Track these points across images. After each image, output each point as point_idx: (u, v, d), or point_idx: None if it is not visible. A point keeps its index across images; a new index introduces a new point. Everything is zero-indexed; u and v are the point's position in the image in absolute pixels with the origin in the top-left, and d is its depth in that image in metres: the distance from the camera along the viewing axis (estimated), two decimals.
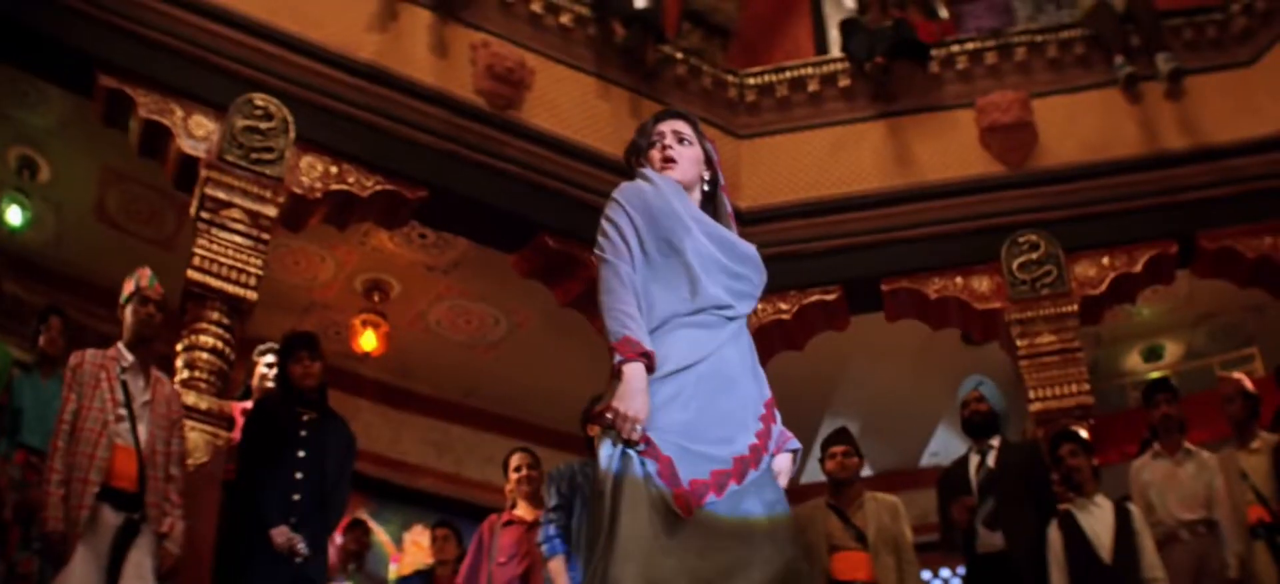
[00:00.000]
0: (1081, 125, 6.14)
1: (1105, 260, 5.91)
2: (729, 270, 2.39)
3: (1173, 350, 7.13)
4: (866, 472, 6.20)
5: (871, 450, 6.75)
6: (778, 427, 2.37)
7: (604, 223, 2.37)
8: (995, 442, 5.23)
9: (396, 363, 6.63)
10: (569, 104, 5.85)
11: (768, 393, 2.37)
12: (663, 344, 2.25)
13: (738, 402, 2.28)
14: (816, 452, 7.40)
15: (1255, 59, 6.40)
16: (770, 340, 5.95)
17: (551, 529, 4.87)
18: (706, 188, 2.53)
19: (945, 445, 7.35)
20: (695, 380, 2.24)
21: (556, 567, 4.83)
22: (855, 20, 6.42)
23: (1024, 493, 5.10)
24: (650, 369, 2.18)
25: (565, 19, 5.98)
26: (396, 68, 5.54)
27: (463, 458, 6.26)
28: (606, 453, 2.16)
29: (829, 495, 5.37)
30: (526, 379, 6.39)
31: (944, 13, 6.64)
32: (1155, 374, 6.87)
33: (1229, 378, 5.71)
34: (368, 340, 6.18)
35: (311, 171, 5.27)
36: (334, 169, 5.32)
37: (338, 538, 6.42)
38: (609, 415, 2.13)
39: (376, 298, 6.18)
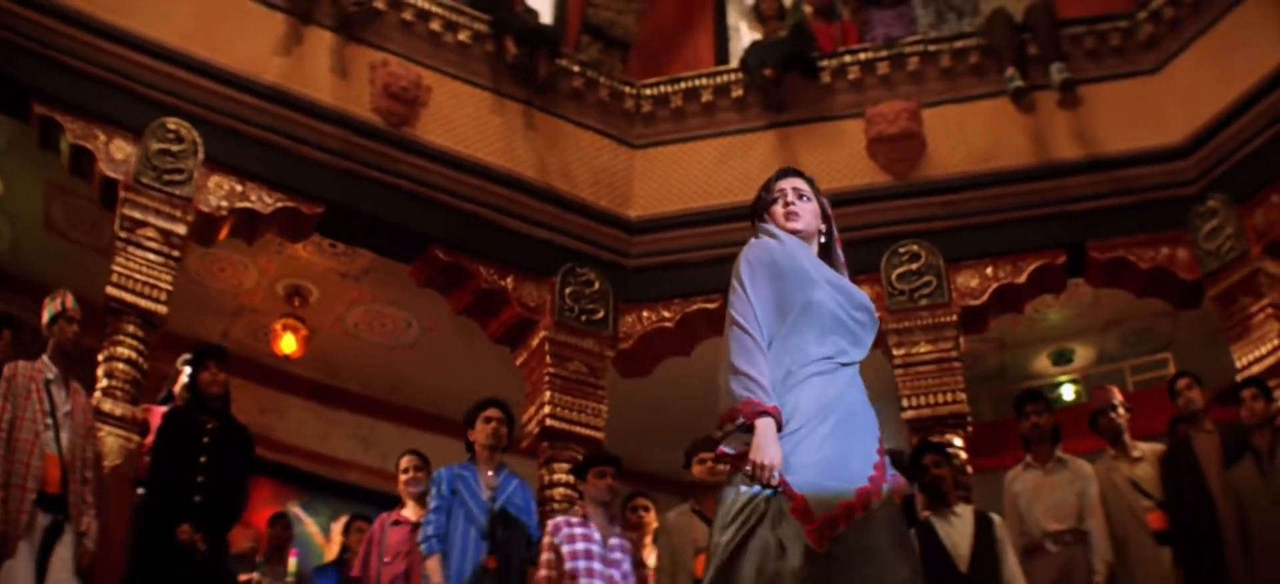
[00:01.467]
0: (971, 135, 6.20)
1: (989, 270, 5.99)
2: (849, 319, 2.60)
3: (1084, 354, 7.14)
4: None
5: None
6: (888, 460, 2.58)
7: (734, 281, 2.61)
8: None
9: (324, 363, 6.99)
10: (464, 119, 6.09)
11: (878, 430, 2.57)
12: (793, 394, 2.49)
13: (858, 440, 2.49)
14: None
15: (1161, 67, 6.37)
16: (656, 348, 6.20)
17: (429, 529, 5.20)
18: (823, 240, 2.76)
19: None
20: (824, 425, 2.46)
21: (433, 565, 5.15)
22: (757, 41, 6.59)
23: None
24: (779, 423, 2.42)
25: (464, 36, 6.20)
26: (298, 89, 5.81)
27: (388, 452, 6.61)
28: (739, 493, 2.43)
29: (694, 500, 5.65)
30: (442, 378, 6.72)
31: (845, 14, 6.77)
32: (1064, 378, 6.94)
33: (1102, 389, 5.79)
34: (288, 343, 6.59)
35: (218, 191, 5.58)
36: (238, 188, 5.63)
37: (262, 530, 6.94)
38: (747, 466, 2.39)
39: (297, 303, 6.56)
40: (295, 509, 6.98)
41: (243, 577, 6.01)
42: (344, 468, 7.01)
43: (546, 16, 6.64)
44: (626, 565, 5.19)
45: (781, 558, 2.36)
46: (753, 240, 2.71)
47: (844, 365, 2.57)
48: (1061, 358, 7.20)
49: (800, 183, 2.77)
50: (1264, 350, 5.82)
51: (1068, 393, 7.06)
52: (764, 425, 2.40)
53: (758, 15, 6.66)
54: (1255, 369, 5.78)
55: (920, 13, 6.62)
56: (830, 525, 2.34)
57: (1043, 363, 7.21)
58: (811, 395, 2.49)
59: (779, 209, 2.72)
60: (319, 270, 6.44)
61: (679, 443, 7.31)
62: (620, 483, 5.35)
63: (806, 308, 2.56)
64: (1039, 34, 6.21)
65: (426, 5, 6.17)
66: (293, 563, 5.94)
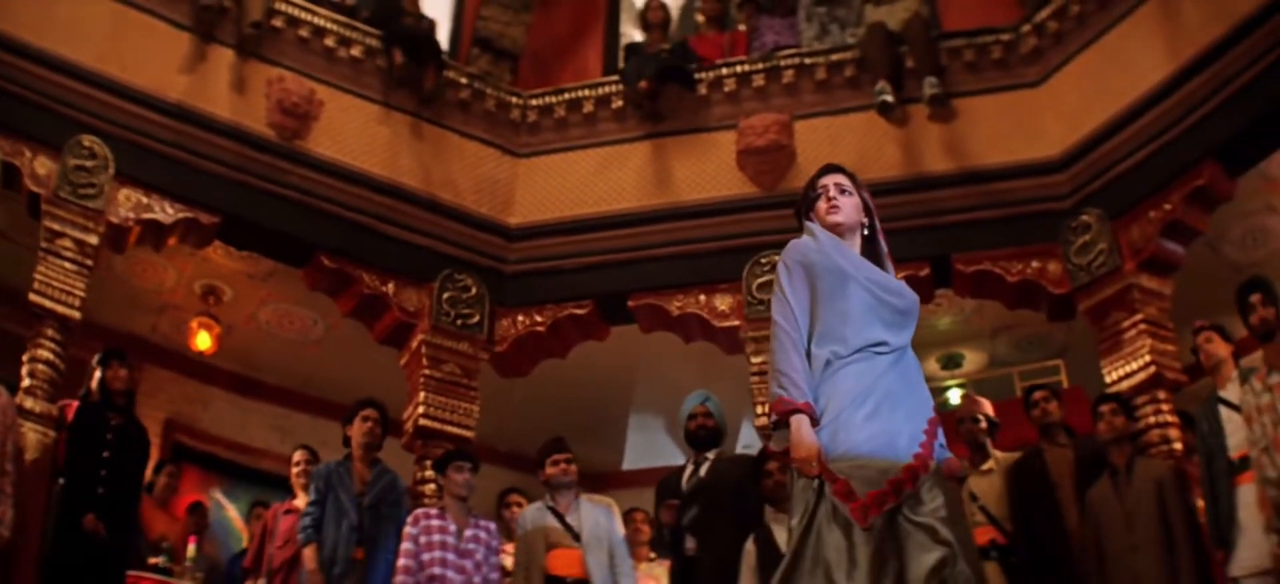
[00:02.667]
0: (842, 147, 6.32)
1: None
2: (886, 309, 2.76)
3: (974, 359, 7.22)
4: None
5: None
6: (939, 438, 2.74)
7: (775, 283, 2.85)
8: (711, 454, 5.71)
9: (242, 357, 7.43)
10: (353, 131, 6.40)
11: (931, 411, 2.74)
12: (832, 381, 2.67)
13: (905, 419, 2.65)
14: (630, 439, 8.01)
15: (1043, 80, 6.43)
16: (530, 350, 6.52)
17: (306, 520, 5.62)
18: (866, 232, 2.92)
19: (754, 441, 7.70)
20: (862, 409, 2.62)
21: (308, 554, 5.57)
22: (637, 44, 6.80)
23: (728, 504, 5.56)
24: (812, 417, 2.61)
25: (356, 51, 6.50)
26: (200, 106, 6.15)
27: (303, 441, 7.06)
28: (797, 483, 2.66)
29: (548, 498, 5.98)
30: (350, 371, 7.08)
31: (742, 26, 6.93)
32: (952, 383, 7.03)
33: (969, 398, 5.93)
34: (202, 340, 7.05)
35: (127, 203, 5.93)
36: (145, 200, 5.98)
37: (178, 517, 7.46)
38: (793, 462, 2.64)
39: (212, 302, 7.03)
40: (218, 495, 7.50)
41: (152, 560, 6.56)
42: (261, 456, 7.50)
43: (444, 29, 6.96)
44: (480, 555, 5.57)
45: (834, 537, 2.55)
46: (791, 242, 2.90)
47: (883, 353, 2.70)
48: (950, 362, 7.30)
49: (842, 178, 2.94)
50: (1135, 366, 5.91)
51: (954, 397, 7.17)
52: (796, 422, 2.59)
53: (645, 23, 6.88)
54: (1125, 384, 5.87)
55: (804, 25, 6.75)
56: (877, 502, 2.52)
57: (932, 366, 7.32)
58: (850, 383, 2.64)
59: (822, 205, 2.90)
60: (230, 272, 6.89)
61: (583, 437, 7.69)
62: (474, 477, 5.73)
63: (842, 301, 2.71)
64: (914, 48, 6.30)
65: (322, 22, 6.50)
66: (191, 549, 6.44)
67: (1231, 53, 5.76)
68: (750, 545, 5.26)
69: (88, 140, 5.93)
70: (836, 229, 2.87)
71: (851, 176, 2.95)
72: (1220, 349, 5.25)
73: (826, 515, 2.58)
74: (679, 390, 6.77)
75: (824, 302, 2.74)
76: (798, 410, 2.60)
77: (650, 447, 7.94)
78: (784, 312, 2.76)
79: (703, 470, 5.67)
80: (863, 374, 2.66)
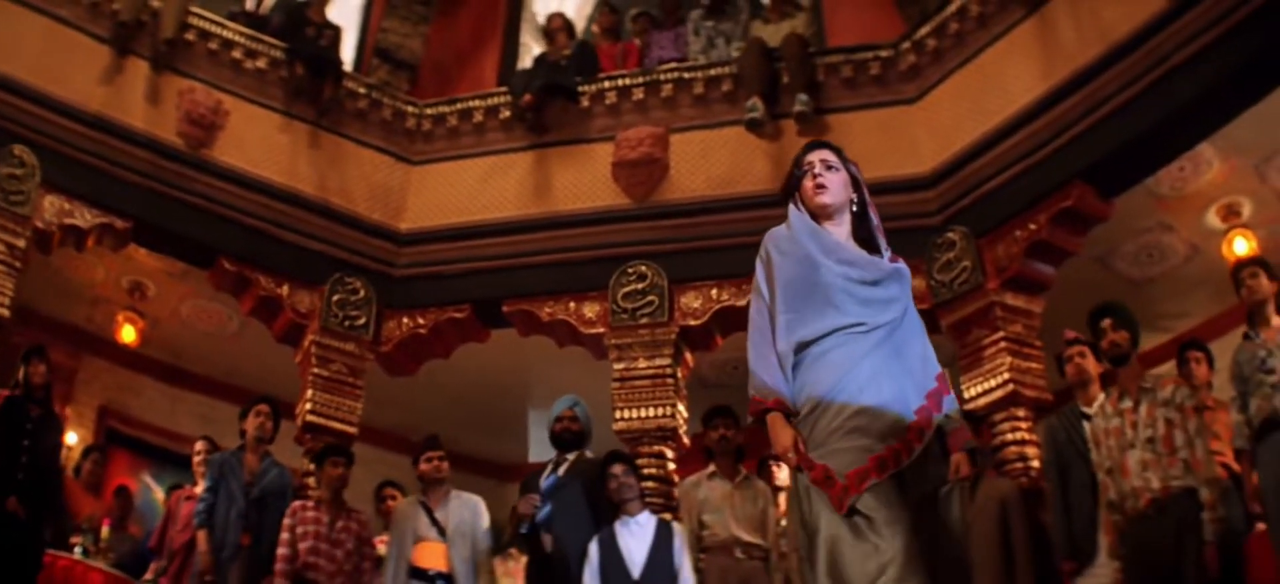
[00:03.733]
0: (715, 160, 6.56)
1: (713, 292, 6.39)
2: (862, 288, 2.71)
3: None
4: None
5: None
6: (948, 402, 2.70)
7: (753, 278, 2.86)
8: (572, 455, 6.03)
9: (169, 347, 7.90)
10: (255, 140, 6.78)
11: (930, 381, 2.69)
12: (810, 370, 2.65)
13: (889, 396, 2.60)
14: (533, 433, 8.33)
15: (920, 97, 6.59)
16: (414, 352, 6.89)
17: (201, 506, 6.13)
18: (855, 208, 2.87)
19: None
20: (841, 394, 2.59)
21: (200, 538, 6.07)
22: (543, 55, 7.10)
23: (584, 504, 5.90)
24: (786, 410, 2.64)
25: (262, 63, 6.88)
26: (117, 116, 6.54)
27: (225, 429, 7.56)
28: (797, 485, 2.64)
29: (420, 493, 6.36)
30: (267, 364, 7.51)
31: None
32: None
33: None
34: (128, 333, 7.55)
35: (51, 209, 6.34)
36: (66, 207, 6.38)
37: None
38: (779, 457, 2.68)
39: (137, 297, 7.55)
40: (147, 479, 8.03)
41: (74, 539, 7.12)
42: (188, 443, 7.96)
43: (351, 39, 7.34)
44: (350, 545, 6.01)
45: (819, 526, 2.53)
46: (768, 233, 2.90)
47: (862, 332, 2.66)
48: None
49: (828, 154, 2.87)
50: (994, 382, 6.07)
51: None
52: (770, 421, 2.64)
53: (545, 34, 7.17)
54: (983, 401, 6.05)
55: (692, 39, 6.98)
56: (857, 480, 2.48)
57: None
58: (827, 370, 2.62)
59: (809, 184, 2.82)
60: (152, 269, 7.37)
61: (491, 430, 8.06)
62: (348, 471, 6.16)
63: (813, 287, 2.69)
64: (790, 64, 6.50)
65: (230, 35, 6.91)
66: (105, 531, 6.98)
67: (1105, 75, 5.90)
68: (593, 547, 5.56)
69: (19, 150, 6.37)
70: (824, 209, 2.83)
71: (838, 151, 2.91)
72: (1090, 366, 5.38)
73: (810, 505, 2.57)
74: (572, 388, 7.11)
75: (797, 291, 2.72)
76: (768, 409, 2.63)
77: None
78: (758, 306, 2.78)
79: (562, 470, 6.02)
80: (841, 360, 2.63)
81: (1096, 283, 7.24)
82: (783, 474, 6.20)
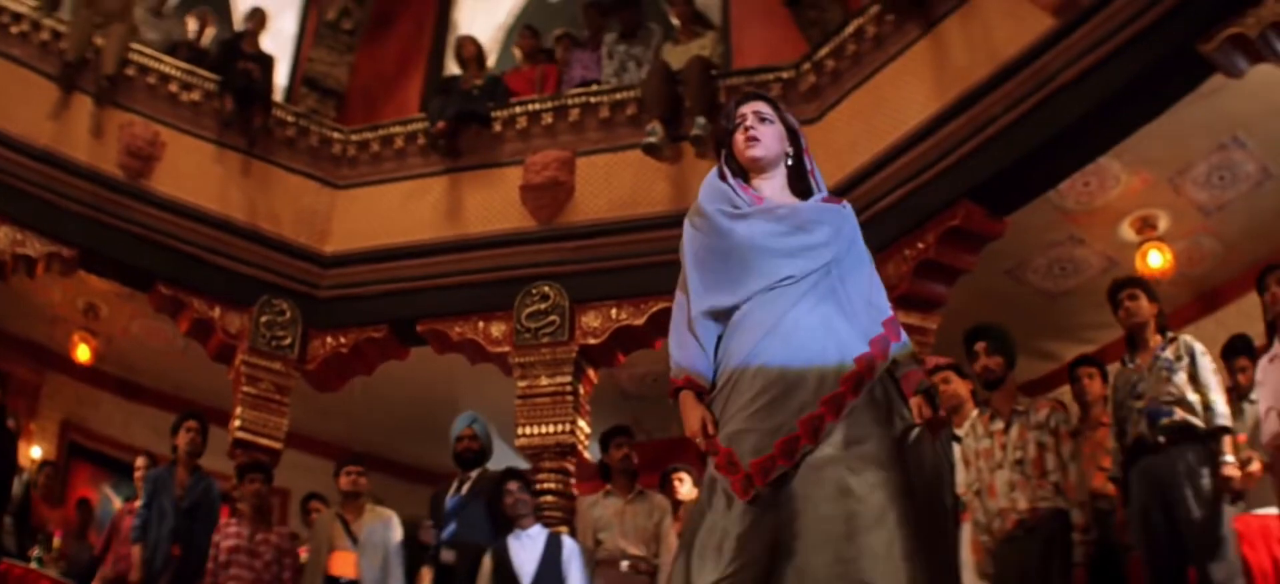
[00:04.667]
0: (618, 183, 6.82)
1: (613, 312, 6.66)
2: (786, 240, 2.55)
3: None
4: None
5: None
6: (897, 347, 2.50)
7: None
8: (474, 473, 6.37)
9: (125, 363, 8.43)
10: (190, 170, 7.16)
11: (876, 326, 2.50)
12: (729, 339, 2.50)
13: (819, 350, 2.42)
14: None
15: (820, 117, 6.76)
16: (338, 370, 7.26)
17: (137, 520, 6.62)
18: (790, 162, 2.73)
19: None
20: (758, 358, 2.41)
21: (135, 552, 6.54)
22: (452, 80, 7.42)
23: (486, 521, 6.24)
24: (697, 388, 2.50)
25: (196, 95, 7.25)
26: (63, 150, 6.95)
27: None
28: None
29: (340, 506, 6.74)
30: (212, 380, 7.92)
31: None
32: None
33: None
34: (82, 352, 8.08)
35: (4, 239, 6.80)
36: (18, 236, 6.83)
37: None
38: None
39: (91, 316, 8.08)
40: (108, 490, 8.56)
41: (31, 551, 7.65)
42: (155, 455, 8.52)
43: (284, 68, 7.74)
44: (268, 556, 6.43)
45: (724, 515, 2.34)
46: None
47: (788, 285, 2.52)
48: None
49: (762, 105, 2.74)
50: None
51: None
52: (682, 399, 2.49)
53: (459, 60, 7.49)
54: None
55: (605, 62, 7.24)
56: (762, 470, 2.30)
57: None
58: (744, 335, 2.47)
59: (740, 137, 2.69)
60: (104, 290, 7.85)
61: (427, 438, 8.38)
62: (266, 486, 6.57)
63: (727, 253, 2.57)
64: (690, 88, 6.72)
65: (167, 69, 7.31)
66: (56, 541, 7.50)
67: (993, 95, 6.00)
68: (487, 561, 5.91)
69: None
70: (755, 163, 2.69)
71: (773, 103, 2.77)
72: (959, 388, 5.53)
73: (716, 493, 2.40)
74: (498, 400, 7.46)
75: (708, 260, 2.61)
76: (679, 388, 2.51)
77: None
78: (680, 280, 2.65)
79: (465, 488, 6.36)
80: (760, 320, 2.47)
81: (1008, 296, 7.38)
82: (684, 488, 6.46)
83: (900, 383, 2.50)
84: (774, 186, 2.72)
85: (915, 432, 2.44)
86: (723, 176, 2.72)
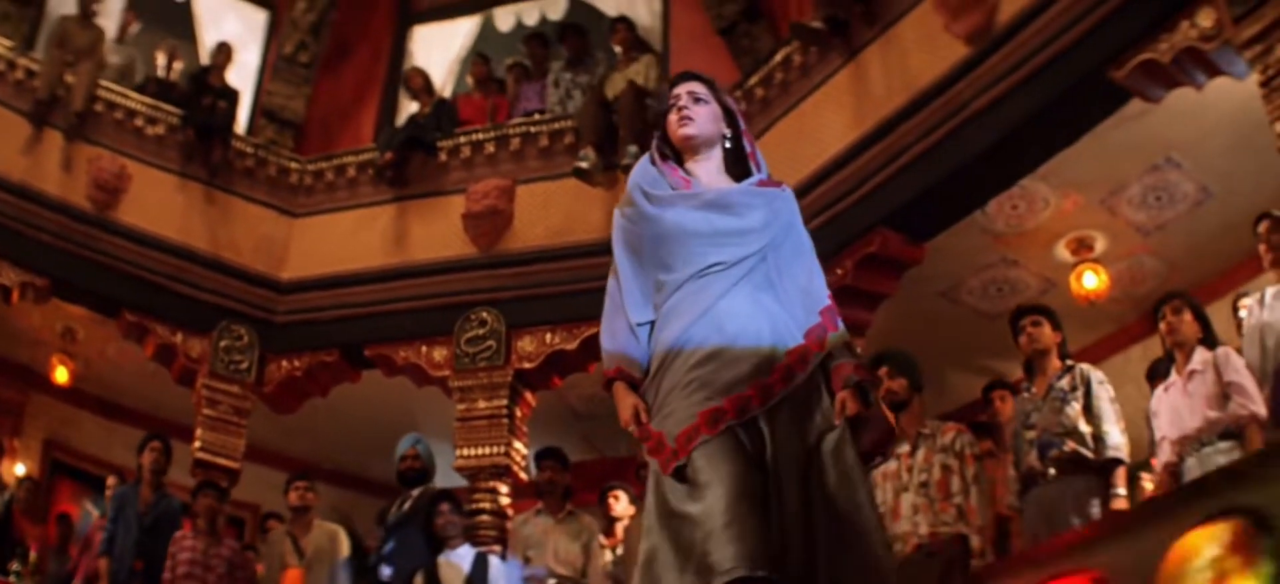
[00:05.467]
0: (554, 210, 7.09)
1: (547, 337, 6.92)
2: (717, 225, 2.51)
3: None
4: None
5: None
6: (832, 339, 2.43)
7: None
8: (416, 492, 6.67)
9: (105, 384, 8.85)
10: (155, 201, 7.53)
11: (813, 316, 2.47)
12: (660, 327, 2.48)
13: (753, 336, 2.38)
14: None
15: None
16: (294, 392, 7.61)
17: (103, 536, 7.05)
18: (728, 144, 2.69)
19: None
20: (689, 341, 2.39)
21: (101, 565, 6.97)
22: (413, 115, 7.74)
23: (422, 539, 6.54)
24: (630, 378, 2.47)
25: (160, 129, 7.63)
26: (35, 184, 7.34)
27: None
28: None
29: (289, 523, 7.08)
30: (185, 397, 8.37)
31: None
32: None
33: None
34: (61, 374, 8.51)
35: None
36: None
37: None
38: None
39: (68, 339, 8.52)
40: (88, 506, 8.98)
41: (10, 565, 8.08)
42: (124, 472, 8.93)
43: (247, 100, 8.11)
44: (221, 569, 6.80)
45: (651, 521, 2.33)
46: None
47: (718, 272, 2.49)
48: None
49: (696, 85, 2.70)
50: None
51: None
52: (614, 390, 2.48)
53: (409, 91, 7.81)
54: None
55: (551, 91, 7.51)
56: (685, 440, 2.27)
57: None
58: (675, 320, 2.46)
59: (673, 117, 2.66)
60: (79, 315, 8.24)
61: (391, 454, 8.66)
62: (219, 503, 6.93)
63: (656, 240, 2.55)
64: (623, 116, 6.97)
65: (133, 105, 7.71)
66: (32, 555, 7.92)
67: (908, 123, 6.15)
68: (419, 579, 6.20)
69: None
70: (688, 143, 2.66)
71: (709, 82, 2.73)
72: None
73: (648, 479, 2.39)
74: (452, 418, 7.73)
75: (647, 241, 2.58)
76: (612, 379, 2.49)
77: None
78: (612, 268, 2.64)
79: (406, 506, 6.66)
80: (692, 305, 2.45)
81: (945, 316, 7.54)
82: (619, 505, 6.70)
83: (831, 376, 2.45)
84: (709, 169, 2.68)
85: (832, 434, 2.37)
86: (655, 161, 2.69)
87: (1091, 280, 7.18)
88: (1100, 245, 7.22)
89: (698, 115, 2.65)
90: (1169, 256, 7.31)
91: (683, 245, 2.52)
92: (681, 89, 2.70)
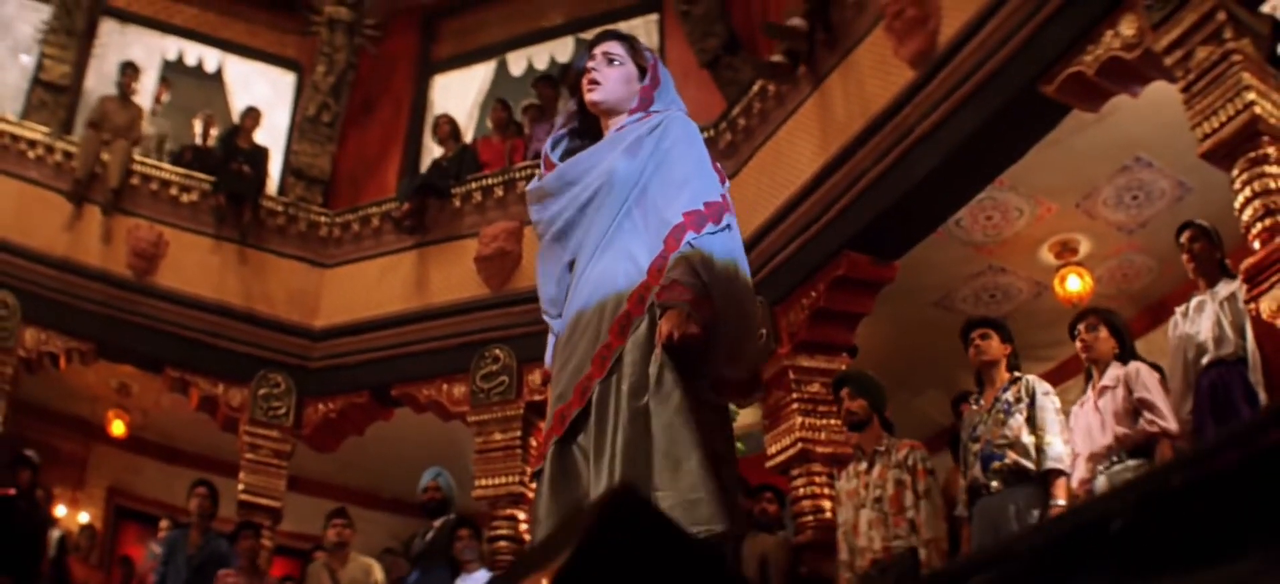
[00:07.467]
0: None
1: None
2: (572, 204, 2.46)
3: None
4: None
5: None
6: (672, 260, 2.26)
7: None
8: (438, 522, 7.25)
9: (162, 431, 9.58)
10: (191, 264, 8.23)
11: (658, 244, 2.32)
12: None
13: (604, 292, 2.33)
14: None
15: (735, 174, 7.25)
16: (331, 433, 8.22)
17: (155, 577, 7.75)
18: (651, 105, 2.57)
19: None
20: (564, 326, 2.42)
21: None
22: (436, 160, 8.32)
23: (446, 566, 7.12)
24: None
25: (194, 196, 8.34)
26: (77, 257, 8.08)
27: (222, 499, 9.11)
28: None
29: (328, 556, 7.70)
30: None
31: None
32: None
33: None
34: (117, 427, 9.28)
35: (31, 340, 7.94)
36: (42, 336, 7.97)
37: None
38: None
39: (123, 394, 9.26)
40: (153, 544, 9.71)
41: None
42: (185, 512, 9.64)
43: (278, 159, 8.77)
44: None
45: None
46: None
47: (589, 244, 2.45)
48: None
49: (612, 45, 2.60)
50: (788, 441, 6.58)
51: None
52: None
53: (437, 138, 8.40)
54: (780, 458, 6.59)
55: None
56: (546, 439, 2.31)
57: None
58: (559, 314, 2.47)
59: (584, 83, 2.59)
60: (128, 372, 9.03)
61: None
62: (257, 542, 7.59)
63: (549, 241, 2.55)
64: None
65: (167, 175, 8.43)
66: None
67: (866, 146, 6.30)
68: None
69: (2, 295, 8.06)
70: (595, 108, 2.59)
71: (627, 41, 2.61)
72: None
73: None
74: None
75: (545, 248, 2.60)
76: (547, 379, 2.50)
77: None
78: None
79: (429, 535, 7.25)
80: (570, 288, 2.45)
81: (942, 325, 7.80)
82: None
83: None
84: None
85: (656, 368, 2.20)
86: (558, 141, 2.66)
87: (1075, 283, 7.42)
88: (1085, 247, 7.44)
89: (606, 78, 2.56)
90: (1157, 252, 7.44)
91: (564, 241, 2.49)
92: (598, 49, 2.61)
